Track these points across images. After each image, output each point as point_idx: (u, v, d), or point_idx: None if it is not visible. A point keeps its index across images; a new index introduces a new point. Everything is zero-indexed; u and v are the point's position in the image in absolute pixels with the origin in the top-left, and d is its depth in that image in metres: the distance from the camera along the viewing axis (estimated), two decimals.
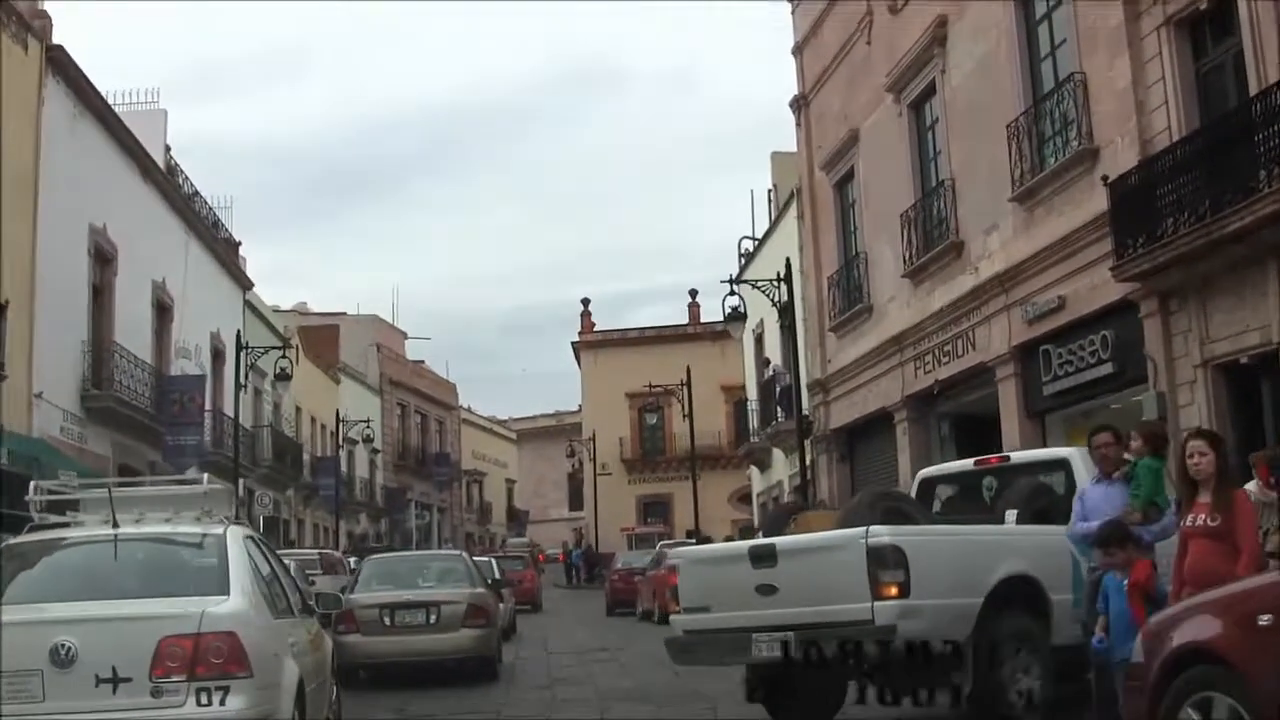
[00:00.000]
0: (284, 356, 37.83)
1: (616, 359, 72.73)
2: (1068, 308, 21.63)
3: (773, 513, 21.52)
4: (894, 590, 10.73)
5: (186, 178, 42.47)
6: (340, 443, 59.83)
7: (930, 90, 27.37)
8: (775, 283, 29.70)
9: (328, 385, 64.81)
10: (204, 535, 9.48)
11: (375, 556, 25.77)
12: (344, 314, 76.47)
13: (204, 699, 8.03)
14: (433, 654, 18.16)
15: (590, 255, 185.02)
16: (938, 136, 27.33)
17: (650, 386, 49.77)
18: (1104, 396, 21.30)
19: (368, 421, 58.27)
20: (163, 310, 37.80)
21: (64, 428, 29.13)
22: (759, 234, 45.64)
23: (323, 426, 62.80)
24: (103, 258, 32.24)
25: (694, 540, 51.03)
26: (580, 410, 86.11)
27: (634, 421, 73.71)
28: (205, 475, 11.97)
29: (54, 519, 10.13)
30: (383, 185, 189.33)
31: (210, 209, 45.80)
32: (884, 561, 10.77)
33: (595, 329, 75.82)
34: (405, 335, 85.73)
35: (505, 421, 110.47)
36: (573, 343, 75.88)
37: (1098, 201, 20.12)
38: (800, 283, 32.77)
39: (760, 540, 13.13)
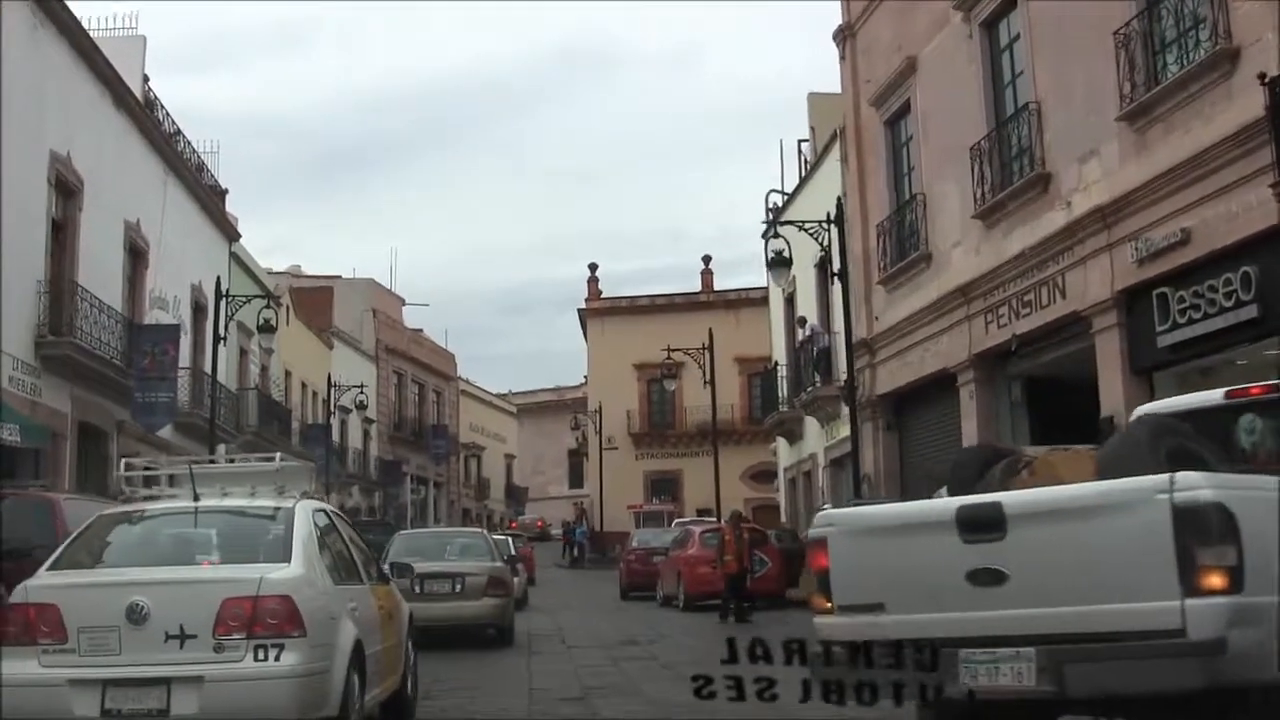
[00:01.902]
0: (268, 307, 34.21)
1: (625, 328, 69.33)
2: (1194, 242, 18.09)
3: (962, 456, 17.34)
4: (1219, 580, 6.76)
5: (168, 114, 38.91)
6: (332, 409, 56.30)
7: (1009, 4, 23.83)
8: (824, 224, 26.25)
9: (320, 349, 61.35)
10: (277, 508, 10.08)
11: (405, 532, 28.54)
12: (339, 277, 72.90)
13: (261, 655, 8.69)
14: (456, 620, 19.28)
15: (589, 236, 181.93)
16: (1017, 56, 23.82)
17: (668, 350, 46.06)
18: (1239, 347, 17.79)
19: (361, 387, 54.73)
20: (137, 255, 34.28)
21: (13, 377, 25.59)
22: (789, 188, 42.09)
23: (314, 393, 59.40)
24: (66, 189, 28.66)
25: (706, 518, 48.19)
26: (584, 384, 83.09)
27: (642, 394, 70.29)
28: (278, 454, 11.99)
29: (144, 493, 10.85)
30: (382, 162, 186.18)
31: (194, 152, 42.27)
32: (1204, 530, 6.80)
33: (602, 296, 72.20)
34: (403, 301, 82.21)
35: (506, 395, 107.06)
36: (579, 310, 72.41)
37: (1240, 111, 16.69)
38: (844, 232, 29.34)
39: (976, 498, 8.13)
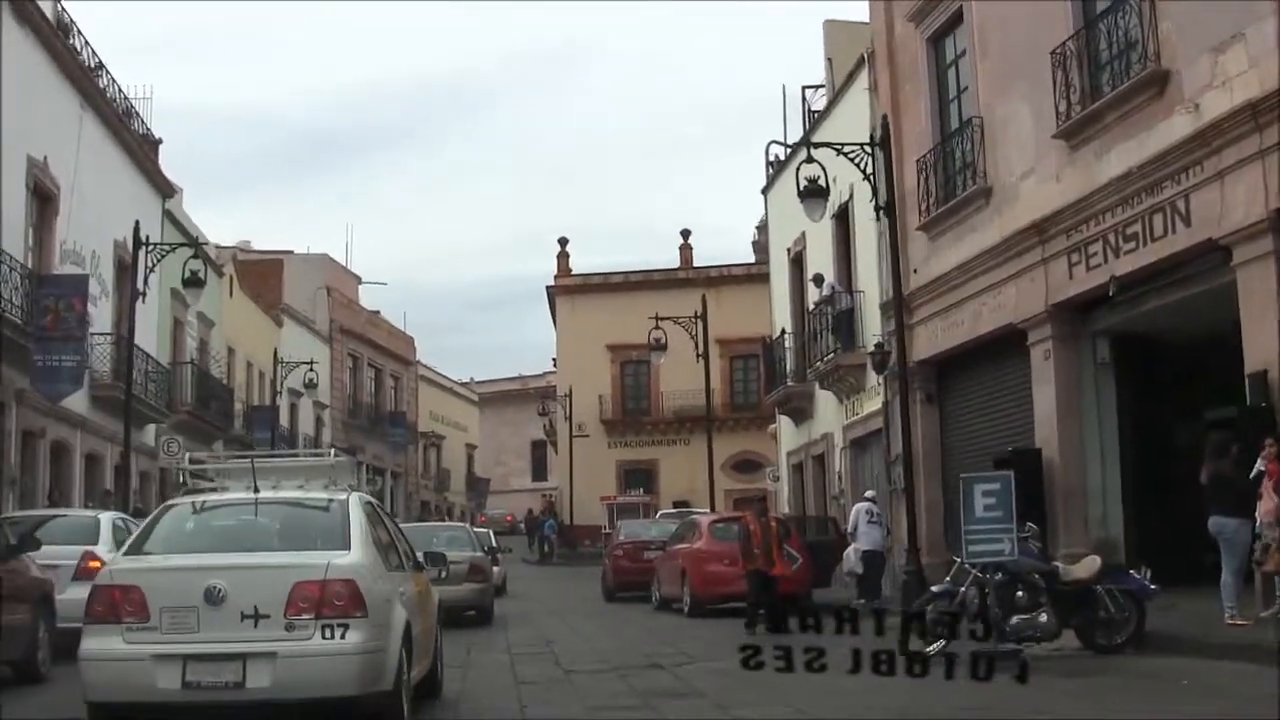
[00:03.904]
0: (195, 256, 29.17)
1: (597, 306, 64.28)
2: None
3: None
4: None
5: (89, 44, 33.87)
6: (279, 389, 51.32)
7: None
8: (867, 147, 21.60)
9: (268, 327, 56.32)
10: (330, 500, 10.74)
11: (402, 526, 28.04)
12: (290, 252, 67.84)
13: (328, 634, 9.24)
14: (441, 601, 18.23)
15: (559, 232, 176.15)
16: None
17: (655, 319, 41.10)
18: None
19: (311, 364, 49.62)
20: (44, 199, 29.36)
21: None
22: (792, 139, 37.42)
23: (260, 373, 54.40)
24: None
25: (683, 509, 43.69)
26: (549, 373, 78.41)
27: (616, 377, 65.25)
28: (331, 449, 14.11)
29: (204, 484, 11.70)
30: (349, 157, 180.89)
31: (122, 95, 37.27)
32: None
33: (573, 273, 67.29)
34: (359, 280, 77.08)
35: (468, 383, 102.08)
36: (547, 287, 67.20)
37: None
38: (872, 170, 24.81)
39: None
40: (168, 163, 41.69)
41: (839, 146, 21.79)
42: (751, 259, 62.76)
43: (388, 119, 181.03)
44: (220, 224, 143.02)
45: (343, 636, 9.25)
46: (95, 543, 17.37)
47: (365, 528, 10.44)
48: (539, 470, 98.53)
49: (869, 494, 26.14)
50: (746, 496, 54.81)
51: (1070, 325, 20.69)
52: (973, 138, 23.26)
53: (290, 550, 9.99)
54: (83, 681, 9.33)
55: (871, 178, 21.53)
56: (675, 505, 51.45)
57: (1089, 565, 14.80)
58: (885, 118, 22.83)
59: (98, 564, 16.99)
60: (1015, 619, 13.94)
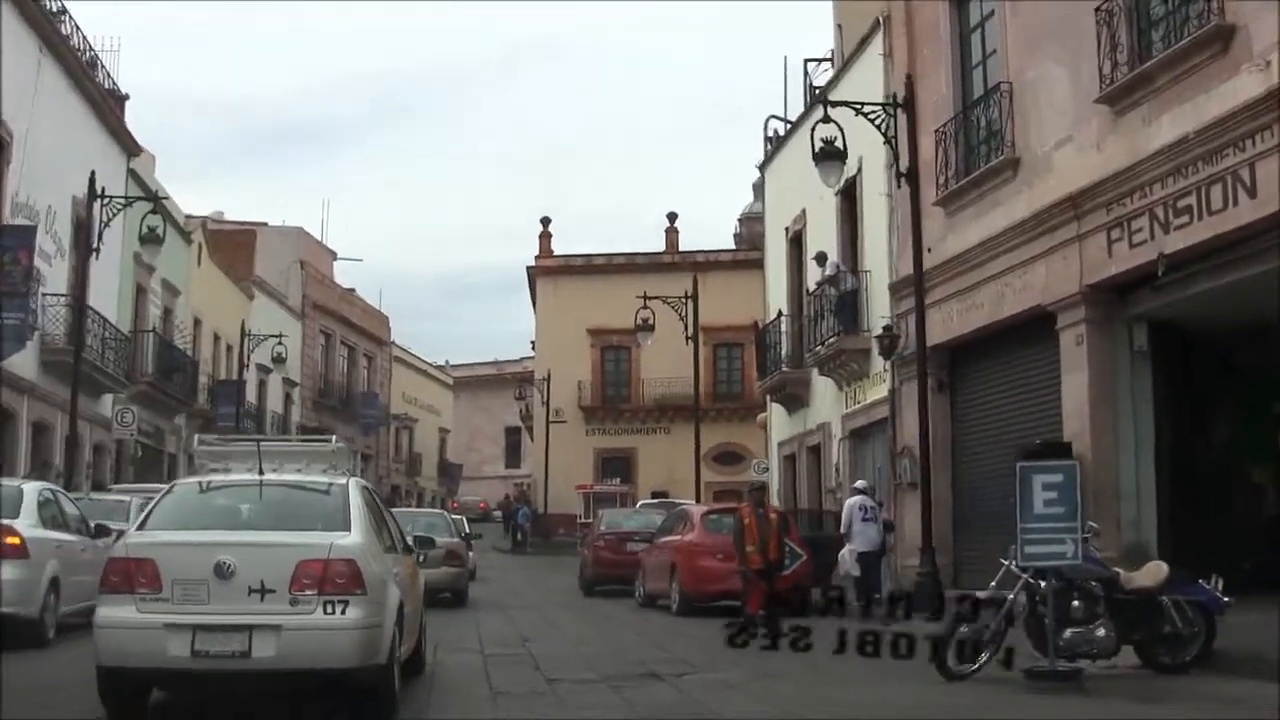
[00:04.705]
0: (154, 212, 27.19)
1: (579, 289, 62.47)
2: None
3: None
4: None
5: None
6: (245, 362, 49.26)
7: None
8: (889, 107, 19.79)
9: (238, 299, 54.29)
10: (330, 484, 11.23)
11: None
12: (265, 224, 65.74)
13: (329, 609, 9.71)
14: None
15: (537, 223, 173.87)
16: None
17: (644, 298, 39.12)
18: None
19: (279, 337, 47.50)
20: None
21: None
22: (793, 115, 35.62)
23: (229, 347, 52.40)
24: None
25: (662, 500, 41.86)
26: (526, 359, 76.68)
27: (596, 362, 63.41)
28: (334, 436, 13.81)
29: (211, 465, 12.00)
30: (329, 145, 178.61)
31: (87, 44, 35.23)
32: None
33: (555, 255, 65.32)
34: (334, 256, 75.03)
35: (443, 366, 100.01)
36: (528, 268, 65.23)
37: None
38: (884, 146, 22.99)
39: None
40: (143, 141, 39.97)
41: (858, 106, 19.96)
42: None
43: (364, 108, 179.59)
44: (195, 200, 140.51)
45: (343, 612, 9.73)
46: (16, 515, 15.49)
47: (364, 511, 10.99)
48: (513, 457, 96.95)
49: (860, 484, 24.31)
50: (729, 489, 53.57)
51: (1106, 308, 18.88)
52: (1000, 104, 21.42)
53: (293, 530, 10.46)
54: (96, 647, 9.82)
55: (893, 141, 19.68)
56: (654, 496, 49.61)
57: (1154, 572, 12.78)
58: (909, 76, 21.01)
59: (16, 540, 15.22)
60: (1068, 632, 12.05)
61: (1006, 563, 12.56)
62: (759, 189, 67.13)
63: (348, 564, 9.90)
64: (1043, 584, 12.09)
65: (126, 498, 22.99)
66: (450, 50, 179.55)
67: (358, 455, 42.36)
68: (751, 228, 65.21)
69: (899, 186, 21.34)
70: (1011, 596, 12.21)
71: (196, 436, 13.33)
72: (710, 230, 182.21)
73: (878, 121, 19.84)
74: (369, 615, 9.95)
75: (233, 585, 9.65)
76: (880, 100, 22.53)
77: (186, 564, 9.83)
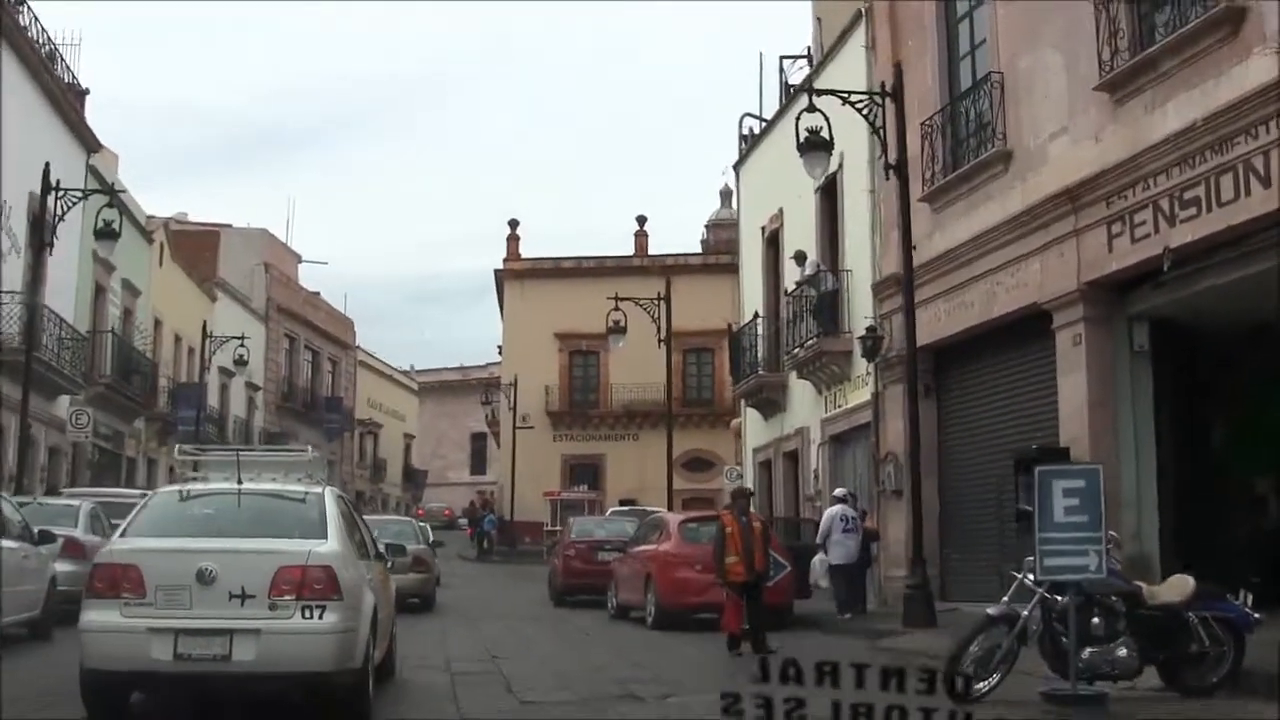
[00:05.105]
0: (110, 205, 26.14)
1: (547, 292, 61.41)
2: None
3: None
4: None
5: None
6: (206, 363, 48.10)
7: None
8: (878, 96, 18.92)
9: (200, 301, 53.21)
10: (307, 493, 11.55)
11: None
12: (229, 225, 64.47)
13: (307, 614, 9.99)
14: None
15: (502, 229, 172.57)
16: None
17: (615, 299, 38.17)
18: None
19: (241, 338, 46.33)
20: None
21: None
22: (769, 113, 34.74)
23: (190, 350, 51.28)
24: None
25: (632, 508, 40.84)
26: (492, 364, 75.70)
27: (564, 367, 62.38)
28: (309, 446, 14.31)
29: (190, 474, 12.33)
30: (290, 149, 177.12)
31: (46, 36, 34.13)
32: None
33: (522, 257, 64.23)
34: (299, 258, 73.76)
35: (408, 371, 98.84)
36: (495, 270, 64.13)
37: None
38: (869, 135, 22.14)
39: None
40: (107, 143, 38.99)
41: (845, 95, 19.05)
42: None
43: (329, 113, 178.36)
44: (159, 203, 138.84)
45: (320, 617, 9.99)
46: None
47: (339, 519, 11.28)
48: (478, 463, 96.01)
49: (840, 492, 23.50)
50: (699, 496, 52.65)
51: (1105, 306, 18.04)
52: (991, 95, 20.58)
53: (272, 537, 10.64)
54: (82, 650, 10.12)
55: (881, 131, 18.79)
56: (622, 503, 48.69)
57: (1179, 586, 11.73)
58: (898, 64, 20.13)
59: None
60: (1087, 652, 11.08)
61: (1019, 575, 11.58)
62: (727, 195, 66.73)
63: (325, 570, 10.20)
64: (1060, 599, 11.14)
65: (76, 502, 21.93)
66: (415, 55, 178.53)
67: (333, 466, 42.04)
68: (719, 234, 64.73)
69: (887, 178, 20.44)
70: (1026, 612, 11.24)
71: (177, 446, 13.39)
72: (678, 239, 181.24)
73: (865, 111, 18.94)
74: (345, 620, 10.21)
75: (214, 590, 9.95)
76: (855, 104, 21.67)
77: (169, 570, 10.11)
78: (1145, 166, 16.64)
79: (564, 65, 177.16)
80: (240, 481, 11.45)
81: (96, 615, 10.07)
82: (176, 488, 12.10)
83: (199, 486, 11.84)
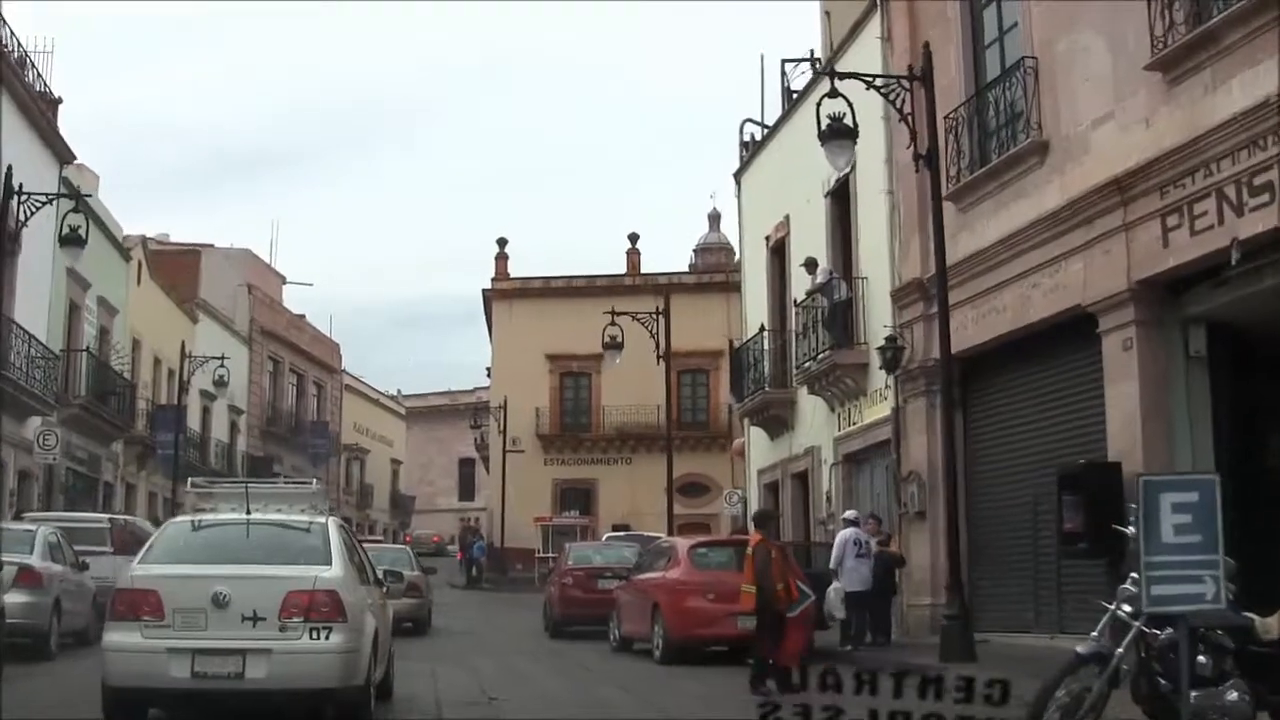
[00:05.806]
0: (76, 210, 24.52)
1: (537, 313, 59.68)
2: None
3: None
4: None
5: None
6: (185, 384, 46.35)
7: None
8: (906, 80, 17.36)
9: (180, 322, 51.56)
10: (311, 522, 12.37)
11: None
12: (211, 245, 62.80)
13: (314, 635, 10.85)
14: None
15: (490, 252, 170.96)
16: None
17: (612, 313, 36.52)
18: None
19: (222, 359, 44.60)
20: None
21: None
22: (770, 119, 33.19)
23: (170, 372, 49.53)
24: None
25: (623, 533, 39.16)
26: (480, 388, 74.17)
27: (554, 389, 60.66)
28: (314, 479, 15.83)
29: (202, 505, 13.63)
30: (274, 171, 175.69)
31: (16, 41, 32.59)
32: None
33: (511, 276, 62.53)
34: (284, 280, 72.11)
35: (395, 396, 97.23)
36: (484, 290, 62.36)
37: None
38: (885, 133, 20.59)
39: None
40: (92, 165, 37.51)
41: (869, 79, 17.48)
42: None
43: (314, 136, 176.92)
44: (141, 224, 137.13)
45: (326, 638, 10.79)
46: None
47: (342, 547, 12.04)
48: (466, 489, 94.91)
49: (850, 515, 22.02)
50: (694, 521, 50.93)
51: (1159, 308, 16.47)
52: (1024, 82, 19.02)
53: (280, 564, 11.42)
54: (104, 669, 10.96)
55: (910, 118, 17.21)
56: (615, 528, 46.96)
57: None
58: (926, 45, 18.56)
59: None
60: (1193, 695, 9.38)
61: (1112, 607, 9.85)
62: (715, 219, 65.65)
63: (330, 594, 10.98)
64: (1160, 634, 9.47)
65: (33, 527, 20.23)
66: (402, 75, 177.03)
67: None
68: (707, 259, 63.52)
69: (917, 170, 18.82)
70: (1120, 650, 9.54)
71: (190, 480, 14.70)
72: (669, 260, 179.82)
73: (892, 95, 17.37)
74: (349, 640, 11.03)
75: (228, 613, 10.73)
76: (880, 89, 20.07)
77: (186, 594, 10.89)
78: (1207, 151, 15.07)
79: (551, 85, 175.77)
80: (249, 512, 12.18)
81: (119, 636, 10.92)
82: (188, 518, 13.00)
83: (210, 517, 12.76)
